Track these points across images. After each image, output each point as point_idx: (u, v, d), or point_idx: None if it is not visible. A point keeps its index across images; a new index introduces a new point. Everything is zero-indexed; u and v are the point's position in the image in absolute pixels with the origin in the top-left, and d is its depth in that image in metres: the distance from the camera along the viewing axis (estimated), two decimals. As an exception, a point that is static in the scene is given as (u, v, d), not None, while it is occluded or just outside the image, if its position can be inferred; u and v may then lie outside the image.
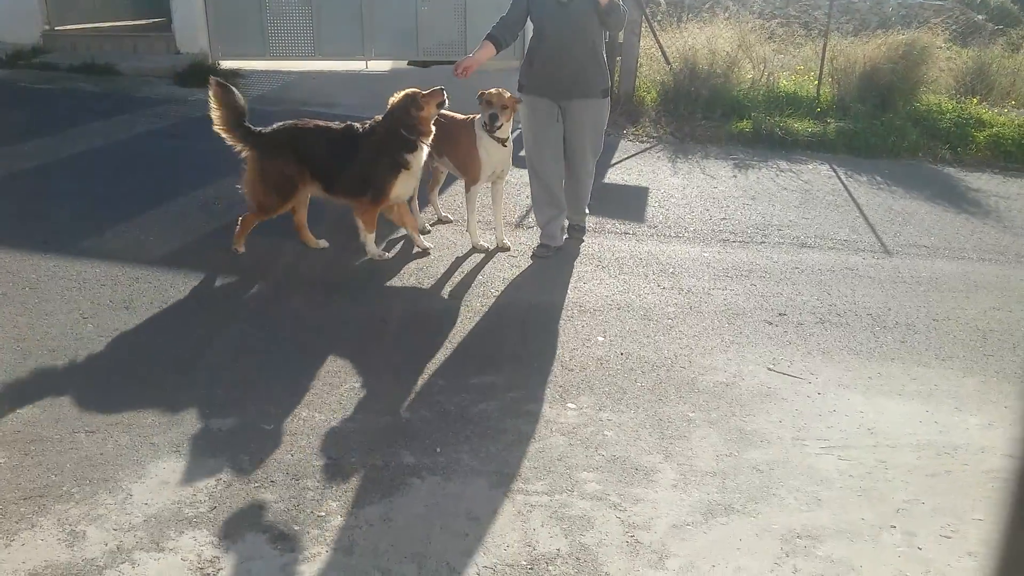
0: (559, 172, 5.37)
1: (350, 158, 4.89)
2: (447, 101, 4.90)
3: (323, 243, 5.32)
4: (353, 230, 5.23)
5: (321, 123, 5.07)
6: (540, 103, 5.17)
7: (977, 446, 3.58)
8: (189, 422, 3.35)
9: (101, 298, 4.41)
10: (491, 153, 5.15)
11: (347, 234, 5.39)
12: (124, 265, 4.83)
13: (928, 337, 4.69)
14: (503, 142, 5.14)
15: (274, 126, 4.98)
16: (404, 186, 4.98)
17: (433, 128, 4.94)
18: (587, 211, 5.78)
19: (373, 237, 5.17)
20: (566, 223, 5.66)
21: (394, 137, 4.84)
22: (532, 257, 5.42)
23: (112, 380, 3.64)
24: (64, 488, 2.90)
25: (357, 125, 4.99)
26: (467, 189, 5.33)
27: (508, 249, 5.52)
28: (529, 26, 5.24)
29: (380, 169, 4.86)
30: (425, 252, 5.35)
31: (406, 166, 4.85)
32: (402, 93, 4.90)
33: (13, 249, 4.93)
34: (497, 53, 5.14)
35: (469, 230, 5.49)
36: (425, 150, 4.95)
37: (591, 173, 5.52)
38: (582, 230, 5.78)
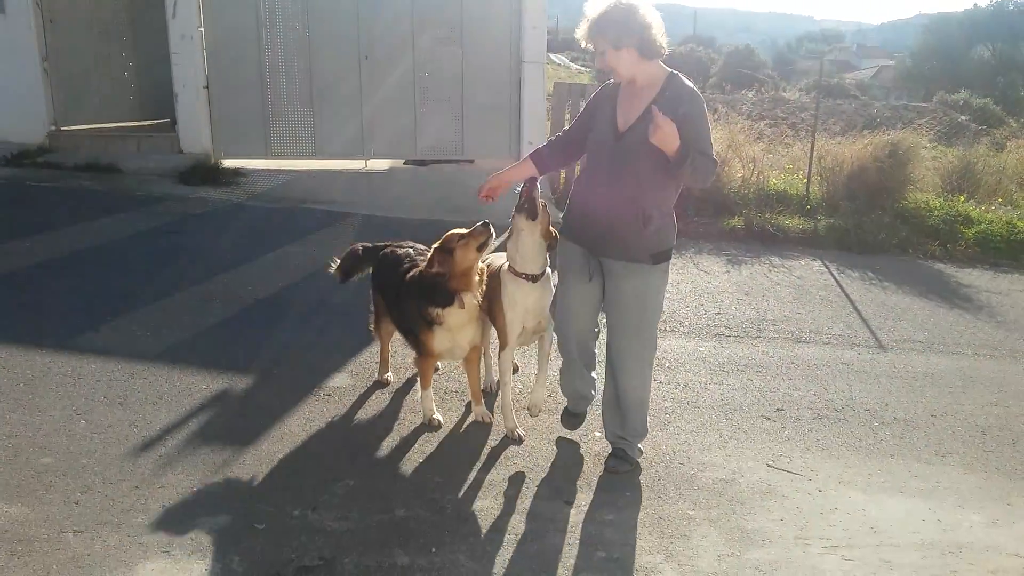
0: (584, 335, 4.01)
1: (402, 297, 4.18)
2: (492, 239, 3.81)
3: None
4: (343, 318, 5.25)
5: (409, 249, 4.39)
6: (571, 250, 3.86)
7: (982, 544, 3.52)
8: (179, 521, 3.29)
9: (95, 394, 4.39)
10: (517, 299, 3.93)
11: (338, 323, 5.41)
12: (120, 361, 4.81)
13: (927, 433, 4.67)
14: (533, 278, 3.90)
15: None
16: (445, 343, 4.02)
17: (475, 280, 3.90)
18: (640, 446, 4.06)
19: (428, 394, 4.26)
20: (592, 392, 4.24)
21: (426, 286, 3.93)
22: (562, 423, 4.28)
23: (102, 477, 3.58)
24: (49, 591, 2.82)
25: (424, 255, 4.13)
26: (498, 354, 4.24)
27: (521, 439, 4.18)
28: None
29: (414, 319, 4.04)
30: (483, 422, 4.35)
31: (438, 322, 3.93)
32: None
33: (9, 345, 4.92)
34: (540, 176, 3.92)
35: (502, 408, 4.25)
36: (469, 306, 3.89)
37: (639, 375, 3.84)
38: (624, 459, 3.95)
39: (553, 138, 4.05)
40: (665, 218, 3.68)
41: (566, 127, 4.02)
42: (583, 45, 3.66)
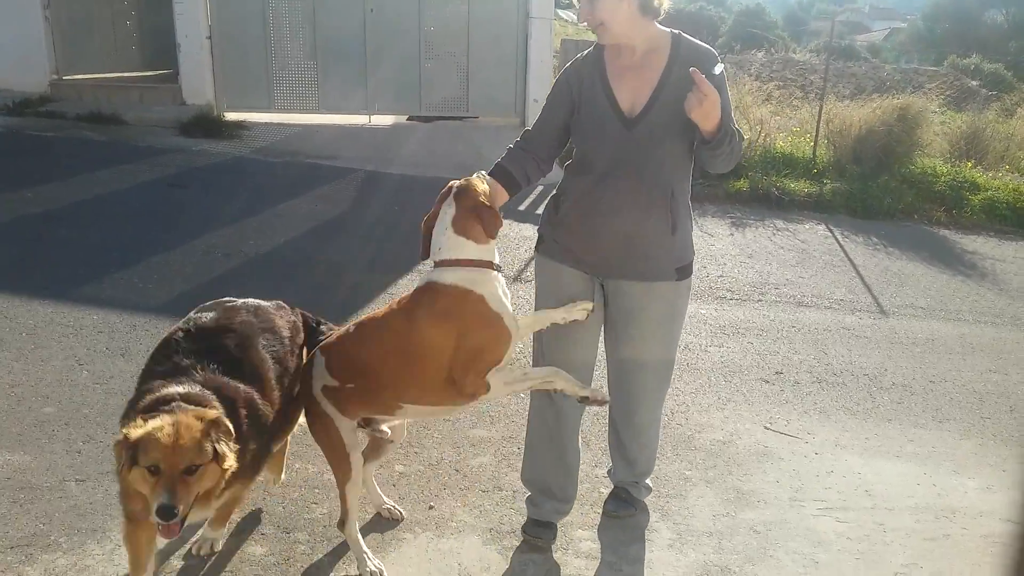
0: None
1: None
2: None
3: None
4: (345, 274, 5.22)
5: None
6: (564, 276, 2.95)
7: (976, 510, 3.55)
8: (181, 472, 3.32)
9: (98, 345, 4.40)
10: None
11: (341, 279, 5.40)
12: (122, 312, 4.82)
13: (925, 399, 4.68)
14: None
15: None
16: None
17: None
18: (648, 483, 3.32)
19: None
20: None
21: None
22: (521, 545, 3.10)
23: (105, 427, 3.60)
24: (52, 537, 2.86)
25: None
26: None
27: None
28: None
29: None
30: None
31: None
32: None
33: (12, 295, 4.93)
34: (509, 197, 2.88)
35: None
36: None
37: (652, 413, 3.11)
38: (627, 503, 3.27)
39: (512, 145, 2.96)
40: (688, 219, 2.93)
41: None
42: None
